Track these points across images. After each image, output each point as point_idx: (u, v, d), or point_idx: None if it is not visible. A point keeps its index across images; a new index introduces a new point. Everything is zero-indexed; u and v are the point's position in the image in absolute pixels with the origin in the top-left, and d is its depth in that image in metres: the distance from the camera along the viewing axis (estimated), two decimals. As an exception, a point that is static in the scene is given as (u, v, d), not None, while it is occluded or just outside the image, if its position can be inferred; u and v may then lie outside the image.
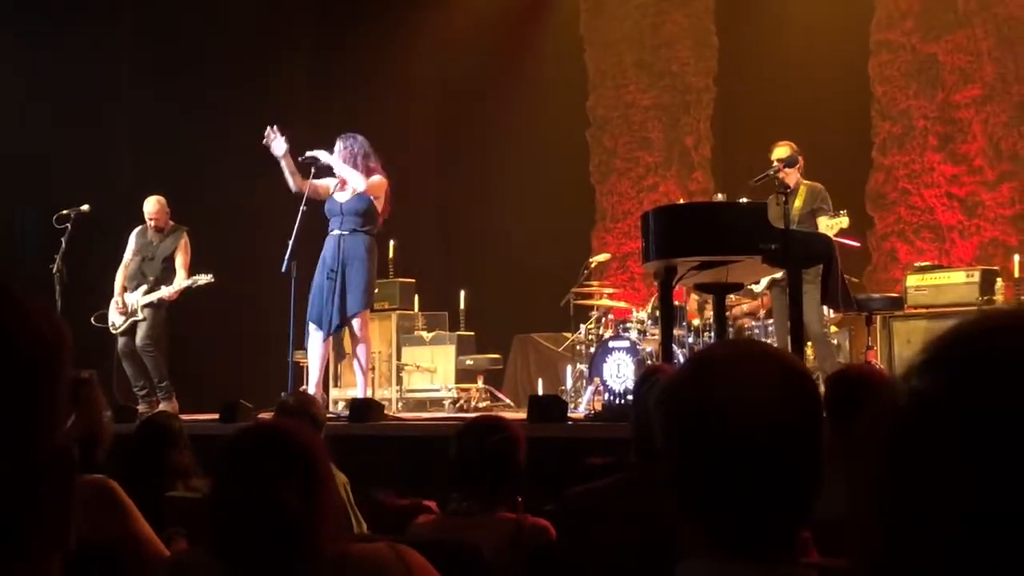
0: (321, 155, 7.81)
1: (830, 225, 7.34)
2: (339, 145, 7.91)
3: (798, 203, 7.58)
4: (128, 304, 8.78)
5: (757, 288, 8.28)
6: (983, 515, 0.64)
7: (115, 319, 8.85)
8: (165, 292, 8.67)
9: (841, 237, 7.38)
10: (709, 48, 11.65)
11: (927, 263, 8.93)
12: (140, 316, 8.74)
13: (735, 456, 1.38)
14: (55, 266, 8.59)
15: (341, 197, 7.89)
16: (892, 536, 0.69)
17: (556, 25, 12.65)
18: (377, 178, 7.85)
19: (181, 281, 8.68)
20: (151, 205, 8.90)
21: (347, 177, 7.81)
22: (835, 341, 8.33)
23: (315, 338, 7.83)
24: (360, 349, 7.92)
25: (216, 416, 7.61)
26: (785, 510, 1.40)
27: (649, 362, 8.04)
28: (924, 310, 8.19)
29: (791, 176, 7.59)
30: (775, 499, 1.39)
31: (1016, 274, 8.74)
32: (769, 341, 8.34)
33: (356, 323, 7.80)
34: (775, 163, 7.40)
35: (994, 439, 0.65)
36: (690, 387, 1.46)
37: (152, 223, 8.88)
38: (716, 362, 1.50)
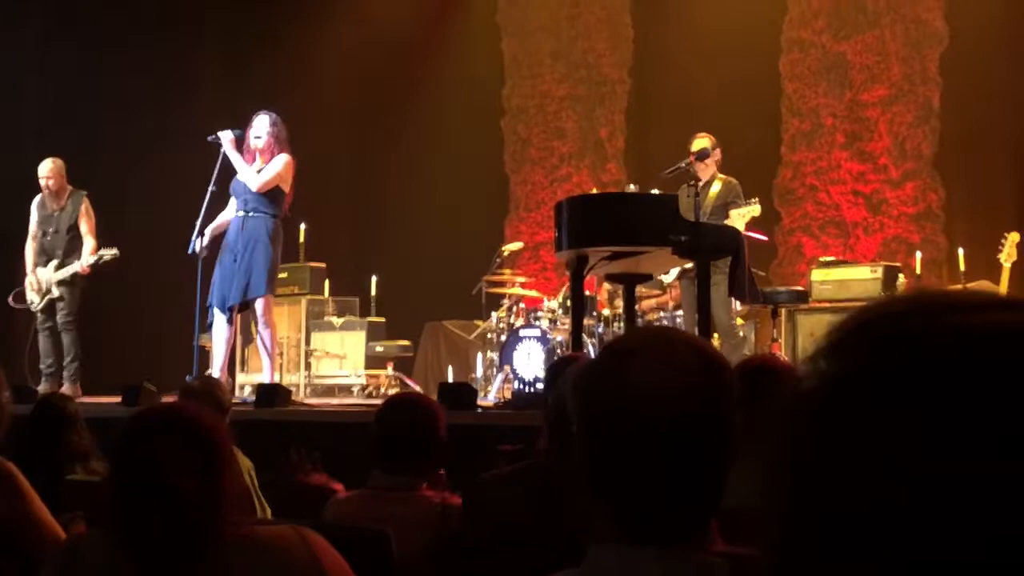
0: (224, 141, 7.64)
1: (742, 214, 7.44)
2: (265, 120, 7.73)
3: (712, 195, 7.67)
4: (42, 282, 8.57)
5: (667, 279, 8.36)
6: (892, 497, 0.65)
7: (32, 297, 8.63)
8: (78, 266, 8.47)
9: (750, 231, 7.48)
10: (625, 41, 11.73)
11: (832, 258, 9.10)
12: (55, 294, 8.53)
13: (646, 441, 1.39)
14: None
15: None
16: (801, 522, 0.69)
17: (473, 13, 12.62)
18: (283, 159, 7.69)
19: (90, 251, 8.49)
20: (46, 167, 8.63)
21: (243, 176, 7.65)
22: (741, 333, 8.45)
23: (219, 320, 7.70)
24: (265, 334, 7.81)
25: (119, 399, 7.47)
26: (695, 496, 1.42)
27: (559, 351, 8.08)
28: (828, 304, 8.35)
29: (707, 169, 7.68)
30: (686, 485, 1.40)
31: (918, 271, 8.97)
32: (678, 332, 8.43)
33: (259, 307, 7.69)
34: (690, 155, 7.48)
35: (901, 419, 0.65)
36: (605, 372, 1.47)
37: (48, 184, 8.60)
38: (631, 348, 1.51)
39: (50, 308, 8.59)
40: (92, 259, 8.46)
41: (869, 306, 0.74)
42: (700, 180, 7.04)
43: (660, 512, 1.40)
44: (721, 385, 1.45)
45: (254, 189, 7.60)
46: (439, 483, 3.44)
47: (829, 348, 0.72)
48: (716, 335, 7.62)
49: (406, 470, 3.29)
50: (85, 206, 8.64)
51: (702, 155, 7.60)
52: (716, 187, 7.75)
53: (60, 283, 8.52)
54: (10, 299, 8.64)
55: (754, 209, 7.47)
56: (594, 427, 1.44)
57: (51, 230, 8.62)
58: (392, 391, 9.51)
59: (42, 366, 8.65)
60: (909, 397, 0.66)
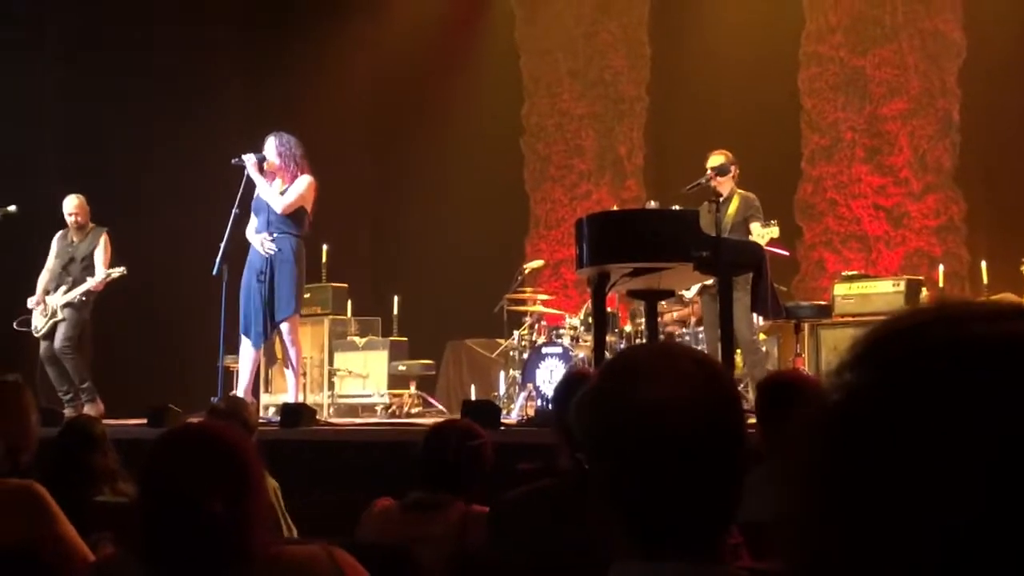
0: (248, 164, 7.69)
1: (761, 234, 7.42)
2: (274, 142, 7.80)
3: (731, 211, 7.66)
4: (49, 305, 8.67)
5: (688, 295, 8.35)
6: (920, 507, 0.65)
7: (37, 322, 8.73)
8: (89, 283, 8.57)
9: (771, 246, 7.47)
10: (642, 58, 11.74)
11: (854, 272, 9.06)
12: (60, 316, 8.63)
13: (657, 456, 1.39)
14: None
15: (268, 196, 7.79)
16: (825, 534, 0.70)
17: (491, 32, 12.67)
18: (305, 180, 7.74)
19: (101, 273, 8.59)
20: (71, 202, 8.81)
21: (267, 197, 7.69)
22: (764, 348, 8.43)
23: (246, 344, 7.74)
24: (291, 353, 7.84)
25: (144, 421, 7.51)
26: (710, 508, 1.42)
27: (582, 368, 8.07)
28: (851, 318, 8.32)
29: (724, 184, 7.67)
30: (699, 498, 1.41)
31: (940, 283, 8.92)
32: (700, 348, 8.43)
33: (285, 327, 7.72)
34: (708, 171, 7.48)
35: (928, 430, 0.66)
36: (610, 392, 1.47)
37: (74, 219, 8.76)
38: (635, 362, 1.52)
39: (52, 334, 8.68)
40: (102, 276, 8.57)
41: (893, 317, 0.74)
42: (720, 196, 7.03)
43: (676, 526, 1.40)
44: (727, 396, 1.46)
45: (279, 211, 7.64)
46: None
47: (854, 360, 0.73)
48: (738, 351, 7.60)
49: (448, 488, 3.37)
50: (104, 239, 8.79)
51: (721, 171, 7.59)
52: (735, 202, 7.75)
53: (65, 306, 8.62)
54: (15, 324, 8.74)
55: (773, 231, 7.47)
56: (604, 447, 1.45)
57: (68, 258, 8.75)
58: (415, 410, 9.53)
59: (59, 393, 8.73)
60: (935, 407, 0.66)
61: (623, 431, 1.42)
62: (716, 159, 7.74)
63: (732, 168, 7.77)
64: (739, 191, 7.84)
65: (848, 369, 0.72)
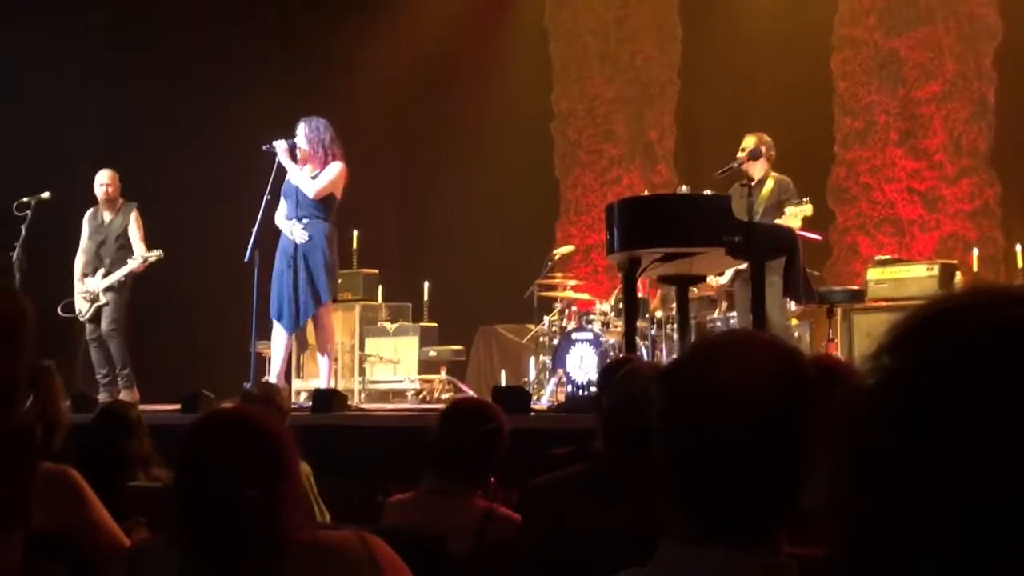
0: (279, 150, 7.72)
1: (794, 213, 7.37)
2: (303, 128, 7.82)
3: (764, 194, 7.61)
4: (90, 289, 8.73)
5: (722, 280, 8.31)
6: (957, 489, 0.65)
7: (80, 306, 8.79)
8: (131, 266, 8.61)
9: (803, 230, 7.42)
10: (673, 42, 11.68)
11: (887, 256, 9.00)
12: (102, 300, 8.69)
13: (728, 442, 1.41)
14: (15, 254, 8.52)
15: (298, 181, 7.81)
16: (868, 518, 0.69)
17: (520, 16, 12.64)
18: (337, 167, 7.77)
19: (141, 253, 8.64)
20: (104, 174, 8.85)
21: (298, 182, 7.71)
22: (796, 334, 8.39)
23: (278, 329, 7.78)
24: (323, 339, 7.89)
25: (177, 406, 7.56)
26: (771, 496, 1.42)
27: (612, 354, 8.06)
28: (884, 303, 8.26)
29: (758, 167, 7.62)
30: (761, 485, 1.41)
31: (975, 268, 8.84)
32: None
33: (318, 312, 7.76)
34: (740, 154, 7.43)
35: (966, 412, 0.65)
36: (692, 370, 1.49)
37: (104, 190, 8.78)
38: (718, 349, 1.53)
39: (97, 317, 8.73)
40: (140, 259, 8.60)
41: (929, 302, 0.74)
42: (752, 179, 6.98)
43: (734, 513, 1.41)
44: (803, 393, 1.45)
45: (310, 195, 7.66)
46: (490, 491, 3.42)
47: (890, 344, 0.73)
48: (770, 336, 7.54)
49: (462, 476, 3.29)
50: (135, 216, 8.81)
51: (755, 154, 7.54)
52: (768, 185, 7.70)
53: (107, 289, 8.66)
54: (59, 309, 8.79)
55: (806, 208, 7.40)
56: (676, 423, 1.46)
57: (101, 240, 8.78)
58: (446, 396, 9.55)
59: (97, 376, 8.80)
60: (972, 389, 0.66)
61: (695, 411, 1.44)
62: (749, 141, 7.69)
63: (762, 150, 7.72)
64: (773, 174, 7.79)
65: (884, 353, 0.72)
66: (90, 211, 8.93)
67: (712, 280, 8.14)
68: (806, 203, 7.45)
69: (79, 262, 8.85)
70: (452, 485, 3.28)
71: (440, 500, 3.24)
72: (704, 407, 1.43)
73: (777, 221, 7.36)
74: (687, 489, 1.44)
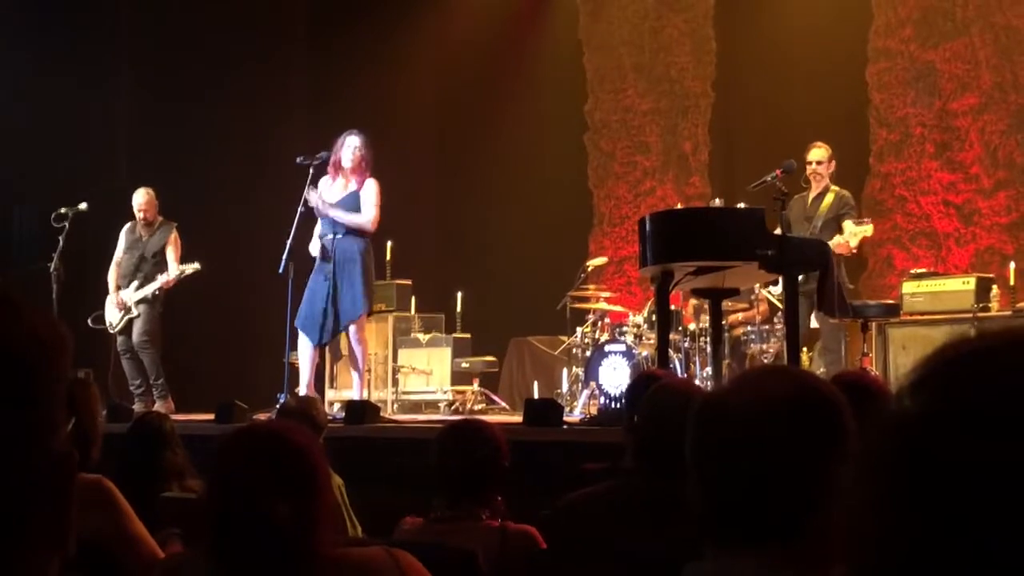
0: (317, 203, 7.73)
1: (855, 232, 7.37)
2: (357, 141, 7.81)
3: (824, 207, 7.65)
4: (123, 301, 8.81)
5: (775, 289, 8.25)
6: (984, 532, 0.64)
7: (111, 318, 8.87)
8: (161, 280, 8.69)
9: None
10: (708, 53, 11.66)
11: (923, 270, 8.93)
12: (135, 312, 8.76)
13: (738, 460, 1.49)
14: (52, 265, 8.61)
15: (333, 196, 7.84)
16: (893, 552, 0.69)
17: (555, 28, 12.66)
18: (375, 187, 7.79)
19: (174, 269, 8.71)
20: (140, 197, 8.93)
21: (350, 222, 7.72)
22: (844, 333, 8.30)
23: (304, 340, 7.81)
24: (357, 351, 7.91)
25: (211, 417, 7.61)
26: (793, 509, 1.47)
27: (645, 366, 8.03)
28: (920, 316, 8.20)
29: (820, 180, 7.71)
30: (782, 499, 1.47)
31: (1012, 282, 8.75)
32: (765, 347, 8.35)
33: (353, 326, 7.79)
34: (814, 166, 7.53)
35: (987, 457, 0.65)
36: (712, 400, 1.62)
37: (142, 215, 8.90)
38: (741, 378, 1.69)
39: (128, 329, 8.80)
40: (176, 272, 8.67)
41: (954, 341, 0.73)
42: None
43: (756, 526, 1.47)
44: (815, 407, 1.52)
45: (370, 228, 7.72)
46: (497, 511, 3.37)
47: (914, 385, 0.72)
48: (805, 350, 7.52)
49: (467, 500, 3.27)
50: (174, 235, 8.91)
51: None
52: (828, 199, 7.71)
53: (139, 302, 8.74)
54: (89, 320, 8.88)
55: (867, 229, 7.44)
56: (701, 447, 1.56)
57: (138, 253, 8.86)
58: (479, 407, 9.56)
59: (131, 387, 8.87)
60: (1002, 433, 0.65)
61: (714, 436, 1.54)
62: (817, 152, 7.85)
63: (830, 163, 7.88)
64: (834, 188, 7.80)
65: (908, 394, 0.72)
66: (128, 224, 9.03)
67: (763, 291, 8.13)
68: (867, 223, 7.45)
69: (112, 274, 8.95)
70: (459, 510, 3.26)
71: (450, 525, 3.23)
72: (722, 429, 1.52)
73: (837, 237, 7.35)
74: (712, 507, 1.50)
